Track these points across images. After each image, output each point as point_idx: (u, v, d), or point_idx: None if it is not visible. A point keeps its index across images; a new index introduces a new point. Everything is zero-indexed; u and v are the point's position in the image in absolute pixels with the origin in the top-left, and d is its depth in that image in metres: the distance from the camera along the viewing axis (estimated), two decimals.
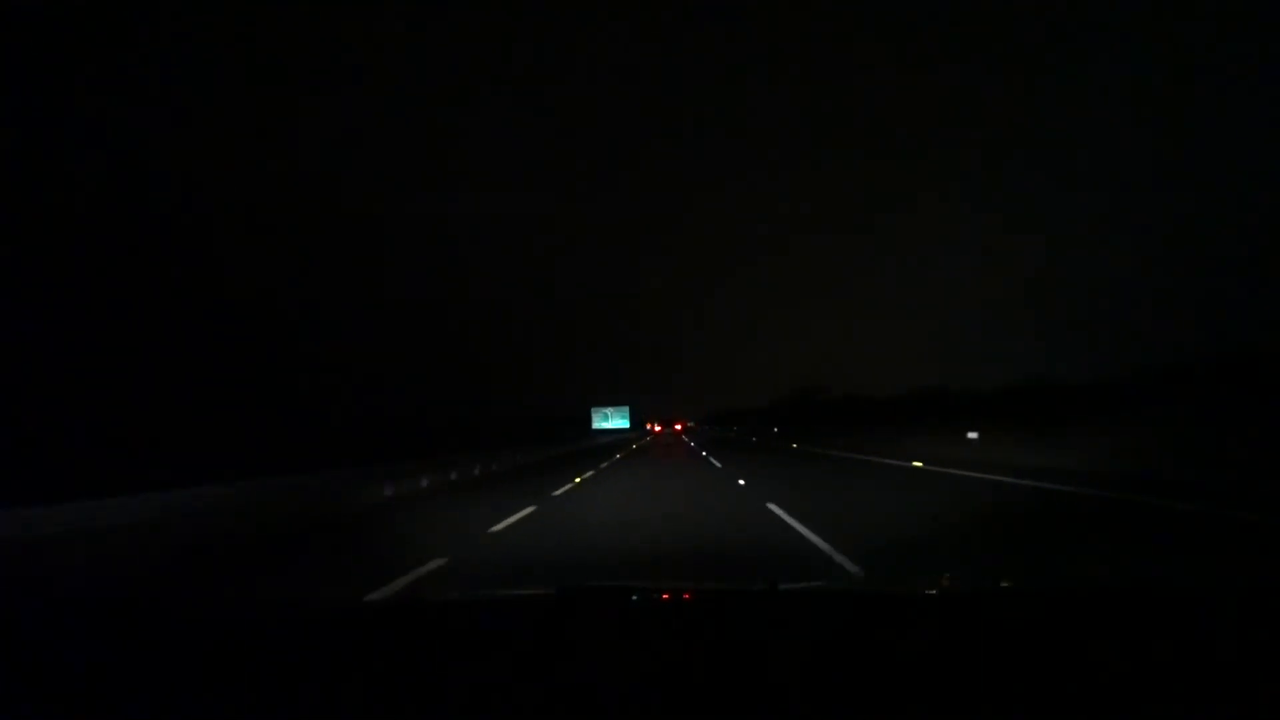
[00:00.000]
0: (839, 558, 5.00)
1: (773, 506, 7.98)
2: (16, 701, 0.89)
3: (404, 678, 0.97)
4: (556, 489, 11.45)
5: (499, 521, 7.56)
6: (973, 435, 17.64)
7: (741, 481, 11.89)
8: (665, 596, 1.59)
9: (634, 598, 1.45)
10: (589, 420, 69.70)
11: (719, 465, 16.83)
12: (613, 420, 71.11)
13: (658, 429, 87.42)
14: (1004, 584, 1.84)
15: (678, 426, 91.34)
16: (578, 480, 13.32)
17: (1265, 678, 0.88)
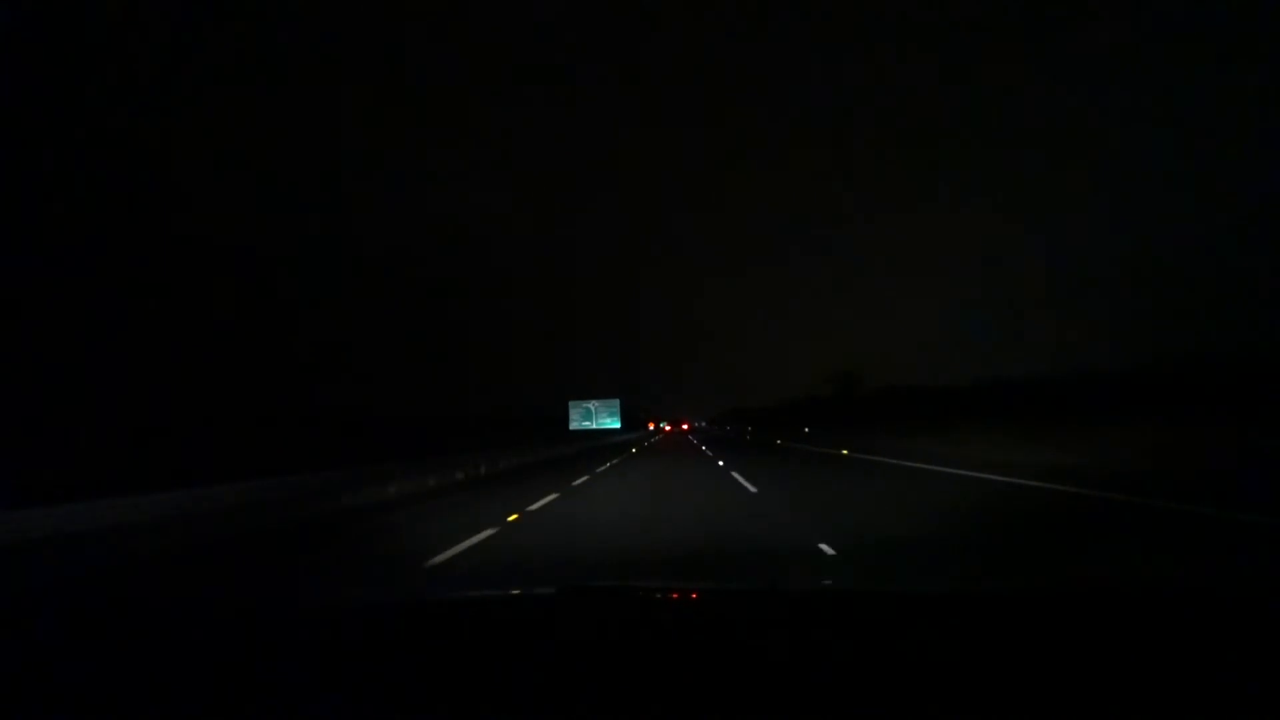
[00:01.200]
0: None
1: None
2: (20, 702, 0.90)
3: (404, 677, 0.99)
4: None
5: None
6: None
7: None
8: (666, 596, 1.61)
9: (635, 597, 1.49)
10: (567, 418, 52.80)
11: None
12: (599, 419, 52.83)
13: (667, 428, 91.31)
14: (1005, 585, 1.97)
15: (684, 426, 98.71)
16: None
17: (1265, 678, 0.88)
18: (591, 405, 53.01)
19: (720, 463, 19.01)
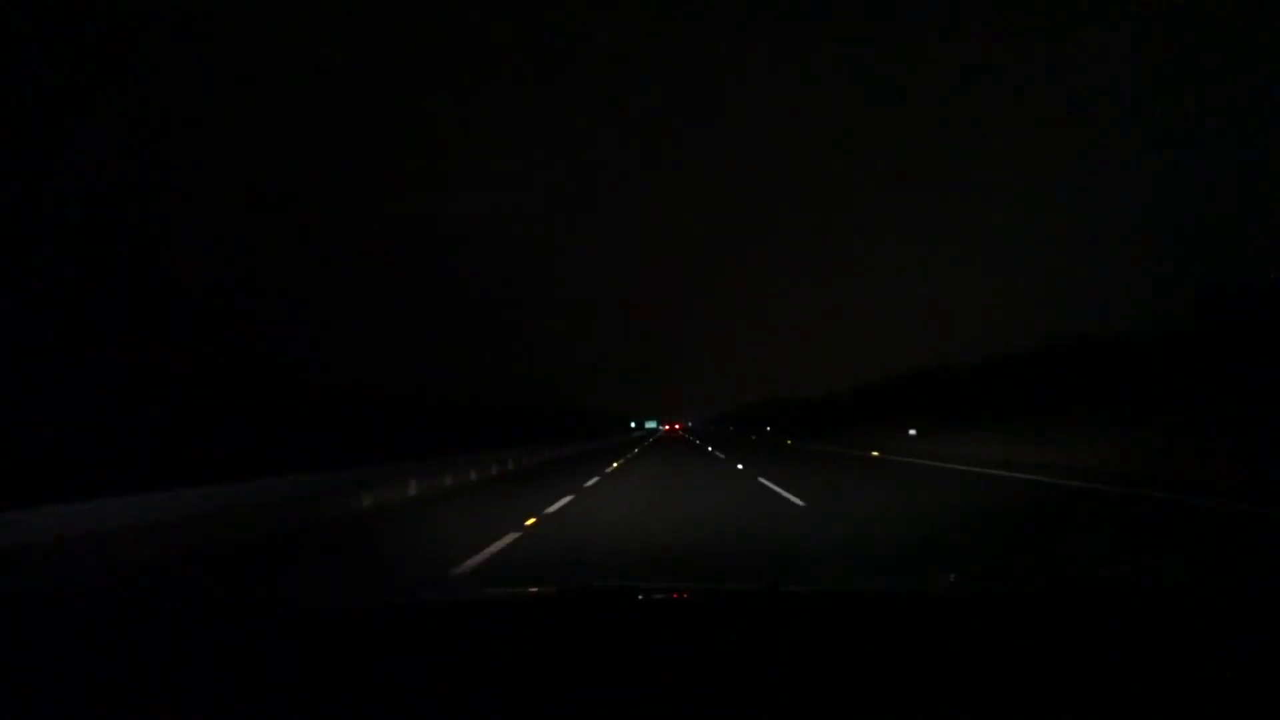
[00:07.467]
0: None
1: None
2: (23, 703, 0.92)
3: (404, 677, 1.00)
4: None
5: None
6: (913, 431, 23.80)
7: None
8: (666, 596, 1.64)
9: (636, 597, 1.52)
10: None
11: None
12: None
13: (665, 428, 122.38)
14: (1004, 585, 1.94)
15: (677, 426, 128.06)
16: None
17: (1264, 677, 0.89)
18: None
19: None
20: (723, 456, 19.59)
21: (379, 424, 24.14)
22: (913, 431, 23.14)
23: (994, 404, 21.48)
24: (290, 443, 16.56)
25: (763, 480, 11.14)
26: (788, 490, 9.45)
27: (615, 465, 16.51)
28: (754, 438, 40.56)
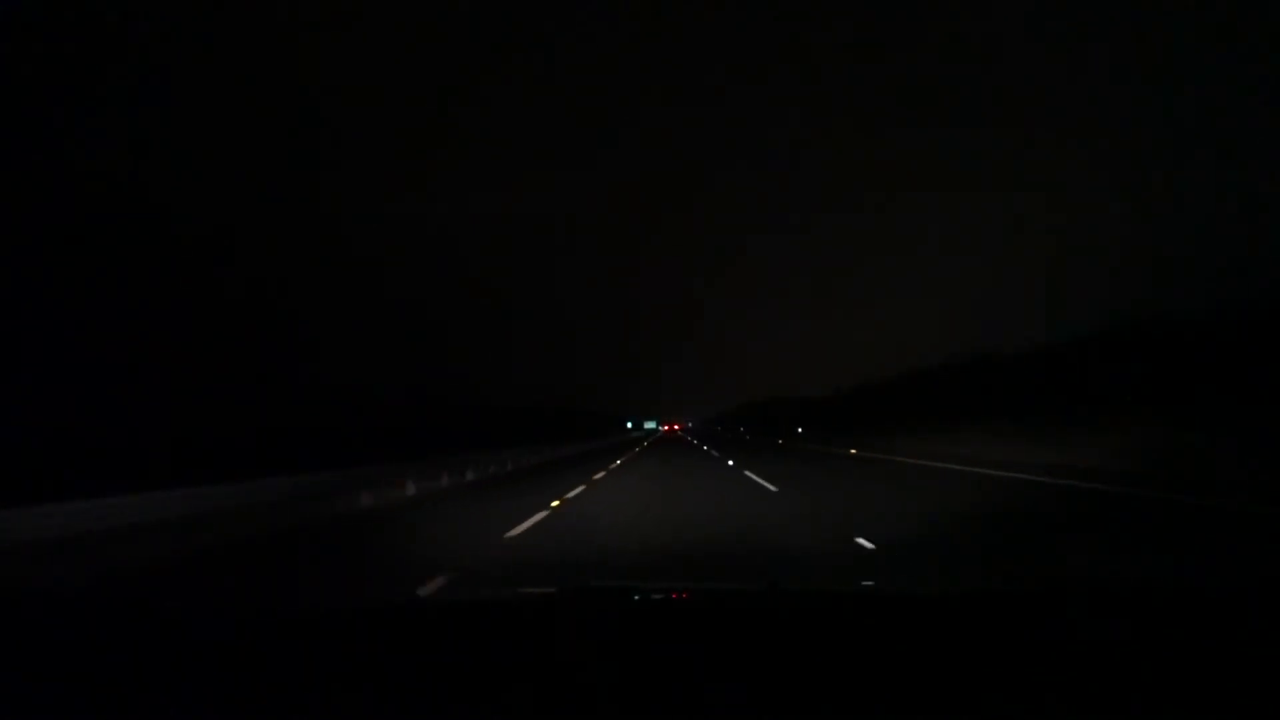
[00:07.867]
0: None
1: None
2: (26, 703, 0.91)
3: (404, 677, 1.00)
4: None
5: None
6: None
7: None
8: (665, 596, 1.64)
9: (635, 598, 1.51)
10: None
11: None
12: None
13: (664, 428, 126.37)
14: (1003, 584, 1.97)
15: (676, 426, 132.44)
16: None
17: (1264, 677, 0.89)
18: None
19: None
20: (762, 481, 11.50)
21: (380, 424, 24.86)
22: None
23: (995, 403, 21.11)
24: (290, 443, 16.84)
25: None
26: None
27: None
28: (780, 441, 33.29)
